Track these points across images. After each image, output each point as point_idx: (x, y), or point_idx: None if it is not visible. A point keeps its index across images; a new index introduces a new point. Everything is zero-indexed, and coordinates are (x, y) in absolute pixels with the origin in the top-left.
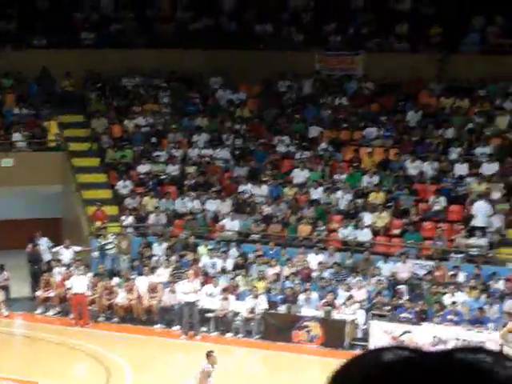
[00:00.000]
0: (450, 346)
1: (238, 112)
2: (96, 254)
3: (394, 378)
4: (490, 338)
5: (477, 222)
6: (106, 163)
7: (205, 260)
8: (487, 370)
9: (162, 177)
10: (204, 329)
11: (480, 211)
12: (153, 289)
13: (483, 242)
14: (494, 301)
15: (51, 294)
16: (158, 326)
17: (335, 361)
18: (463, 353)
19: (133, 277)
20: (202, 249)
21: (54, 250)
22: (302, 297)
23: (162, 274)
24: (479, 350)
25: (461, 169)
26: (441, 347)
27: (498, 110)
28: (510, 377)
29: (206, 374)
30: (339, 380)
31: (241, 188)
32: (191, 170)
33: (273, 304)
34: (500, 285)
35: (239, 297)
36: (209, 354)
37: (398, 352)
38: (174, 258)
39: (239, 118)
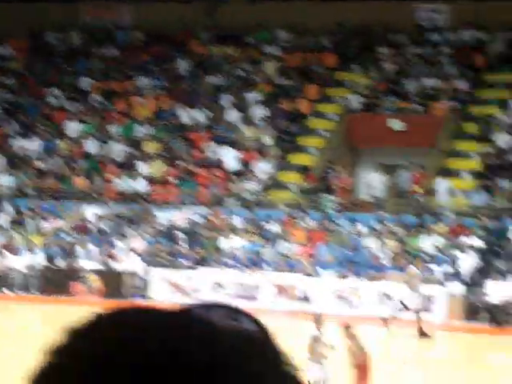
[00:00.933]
0: (229, 289)
1: (7, 66)
2: None
3: (116, 341)
4: (266, 280)
5: (227, 166)
6: None
7: None
8: (217, 324)
9: None
10: None
11: (225, 156)
12: None
13: (256, 186)
14: (269, 243)
15: None
16: None
17: None
18: (199, 309)
19: None
20: None
21: None
22: (80, 249)
23: None
24: (215, 306)
25: (232, 115)
26: (220, 291)
27: (265, 56)
28: (236, 330)
29: None
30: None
31: (13, 143)
32: None
33: (51, 258)
34: (274, 227)
35: (16, 252)
36: None
37: (127, 315)
38: None
39: (8, 71)
